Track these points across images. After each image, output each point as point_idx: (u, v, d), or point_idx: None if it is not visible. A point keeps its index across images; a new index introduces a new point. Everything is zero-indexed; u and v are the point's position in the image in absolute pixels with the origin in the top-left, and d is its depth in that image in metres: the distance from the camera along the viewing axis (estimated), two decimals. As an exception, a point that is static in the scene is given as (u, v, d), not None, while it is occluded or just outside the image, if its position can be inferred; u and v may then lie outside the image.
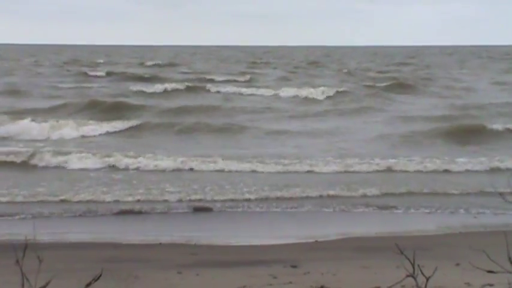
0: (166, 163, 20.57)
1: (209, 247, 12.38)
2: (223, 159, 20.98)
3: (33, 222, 13.06)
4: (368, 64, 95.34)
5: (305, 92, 45.63)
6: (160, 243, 12.64)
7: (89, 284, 4.22)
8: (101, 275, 4.26)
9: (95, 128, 29.30)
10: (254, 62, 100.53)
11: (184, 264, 10.26)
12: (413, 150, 23.68)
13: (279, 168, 20.16)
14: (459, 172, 20.11)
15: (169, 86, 48.90)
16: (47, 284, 4.28)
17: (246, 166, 20.27)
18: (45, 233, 12.92)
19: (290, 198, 16.60)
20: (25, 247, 4.21)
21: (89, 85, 52.84)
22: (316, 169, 20.06)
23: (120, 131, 29.40)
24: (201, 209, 15.76)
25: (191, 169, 20.19)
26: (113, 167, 20.55)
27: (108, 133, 29.08)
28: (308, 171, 19.92)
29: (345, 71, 73.57)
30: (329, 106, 39.40)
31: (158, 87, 47.84)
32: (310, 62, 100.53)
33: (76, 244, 12.56)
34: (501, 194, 5.45)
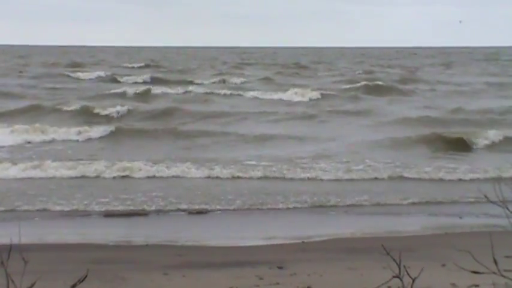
0: (145, 169, 20.03)
1: (195, 248, 12.37)
2: (208, 164, 20.70)
3: (19, 224, 12.99)
4: (356, 65, 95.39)
5: (289, 94, 45.17)
6: (146, 245, 12.62)
7: (74, 286, 4.21)
8: (86, 276, 4.24)
9: (65, 133, 28.06)
10: (241, 63, 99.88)
11: (171, 266, 10.25)
12: (395, 156, 22.99)
13: (259, 174, 19.82)
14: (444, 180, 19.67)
15: (150, 87, 48.25)
16: (32, 285, 4.26)
17: (228, 172, 19.90)
18: (30, 235, 12.86)
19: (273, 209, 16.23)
20: (10, 249, 4.19)
21: (70, 86, 52.50)
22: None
23: (94, 137, 28.11)
24: (195, 212, 15.62)
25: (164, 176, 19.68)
26: (84, 175, 19.69)
27: (79, 138, 27.81)
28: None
29: (325, 73, 73.28)
30: (312, 109, 38.60)
31: (139, 89, 47.15)
32: (297, 63, 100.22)
33: (62, 245, 12.52)
34: (486, 196, 5.47)
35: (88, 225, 14.69)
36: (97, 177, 19.56)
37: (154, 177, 19.61)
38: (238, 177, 19.57)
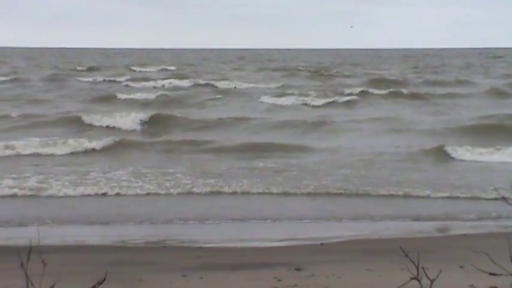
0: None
1: (213, 250, 12.39)
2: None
3: (38, 226, 13.07)
4: (373, 66, 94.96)
5: (293, 99, 44.02)
6: (164, 246, 12.65)
7: None
8: (105, 279, 4.26)
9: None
10: (262, 67, 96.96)
11: (189, 267, 10.27)
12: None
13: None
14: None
15: (149, 94, 46.57)
16: (52, 287, 4.28)
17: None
18: (49, 237, 12.92)
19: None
20: (29, 250, 4.22)
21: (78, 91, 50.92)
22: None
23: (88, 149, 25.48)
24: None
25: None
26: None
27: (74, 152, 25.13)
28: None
29: (349, 75, 72.25)
30: (319, 113, 37.40)
31: (136, 96, 45.67)
32: (313, 65, 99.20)
33: (80, 247, 12.58)
34: (504, 198, 5.46)
35: (107, 227, 14.73)
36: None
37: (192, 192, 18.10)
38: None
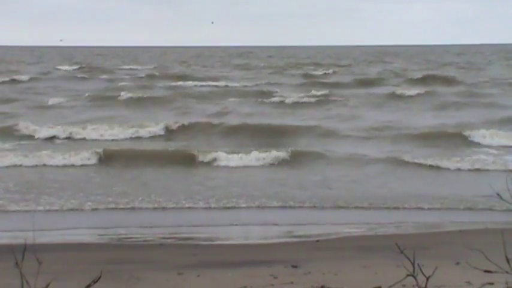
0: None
1: (210, 247, 12.40)
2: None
3: (33, 224, 13.03)
4: (373, 64, 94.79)
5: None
6: (161, 244, 12.65)
7: (88, 286, 4.23)
8: (100, 277, 4.26)
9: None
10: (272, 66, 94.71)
11: (185, 265, 10.27)
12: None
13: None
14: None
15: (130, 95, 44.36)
16: (47, 286, 4.28)
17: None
18: (44, 236, 12.90)
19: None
20: (24, 249, 4.21)
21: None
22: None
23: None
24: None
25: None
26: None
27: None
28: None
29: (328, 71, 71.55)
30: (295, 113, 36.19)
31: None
32: (314, 62, 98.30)
33: (76, 245, 12.56)
34: (498, 194, 5.47)
35: (102, 225, 14.73)
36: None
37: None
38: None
